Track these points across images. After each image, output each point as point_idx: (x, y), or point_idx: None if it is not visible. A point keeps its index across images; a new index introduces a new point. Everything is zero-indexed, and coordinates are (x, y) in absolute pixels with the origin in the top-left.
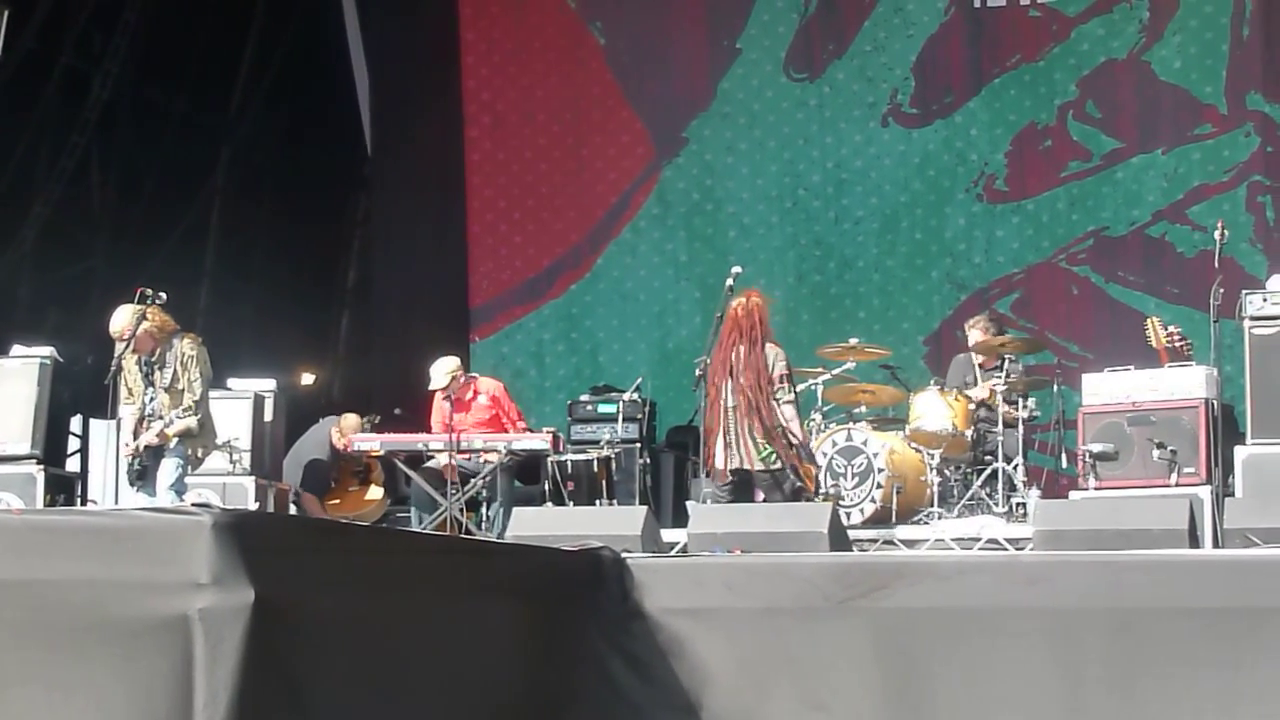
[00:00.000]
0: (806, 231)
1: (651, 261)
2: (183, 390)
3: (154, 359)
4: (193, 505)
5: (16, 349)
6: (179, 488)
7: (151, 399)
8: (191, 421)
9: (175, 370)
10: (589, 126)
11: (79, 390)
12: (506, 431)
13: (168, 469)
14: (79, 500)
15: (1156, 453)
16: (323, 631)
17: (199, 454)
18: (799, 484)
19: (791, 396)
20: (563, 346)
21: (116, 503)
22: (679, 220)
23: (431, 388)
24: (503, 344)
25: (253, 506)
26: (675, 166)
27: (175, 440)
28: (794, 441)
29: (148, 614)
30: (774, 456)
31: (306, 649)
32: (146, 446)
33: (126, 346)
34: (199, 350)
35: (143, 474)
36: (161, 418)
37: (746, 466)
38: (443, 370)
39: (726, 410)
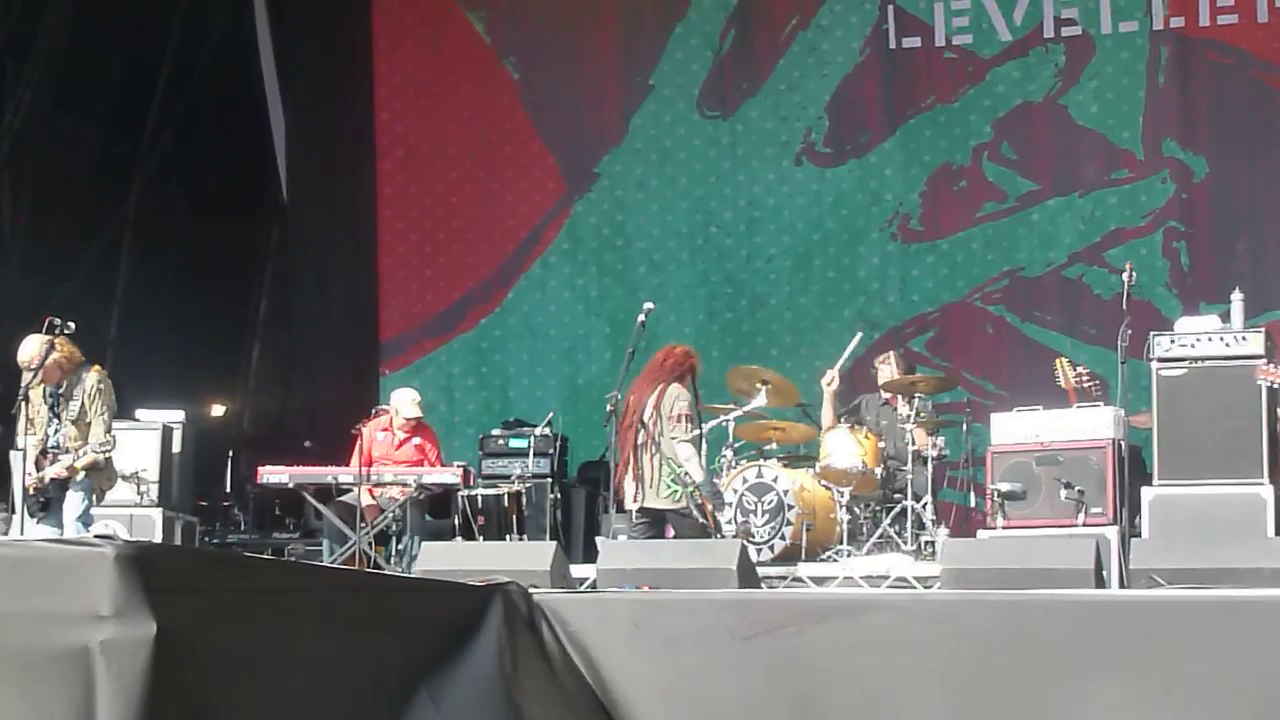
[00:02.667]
0: (718, 268)
1: (562, 296)
2: (89, 423)
3: (60, 390)
4: (95, 536)
5: None
6: (86, 520)
7: (56, 431)
8: (100, 456)
9: (82, 403)
10: (501, 160)
11: None
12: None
13: (74, 502)
14: None
15: (1064, 492)
16: (227, 665)
17: (104, 488)
18: (701, 522)
19: (689, 437)
20: (473, 381)
21: (22, 534)
22: (590, 255)
23: (407, 416)
24: (413, 378)
25: (159, 538)
26: (586, 202)
27: (82, 474)
28: (693, 481)
29: (49, 645)
30: (678, 494)
31: (210, 682)
32: (53, 479)
33: (34, 376)
34: (106, 384)
35: (45, 506)
36: (68, 450)
37: (652, 505)
38: (409, 399)
39: (636, 448)
